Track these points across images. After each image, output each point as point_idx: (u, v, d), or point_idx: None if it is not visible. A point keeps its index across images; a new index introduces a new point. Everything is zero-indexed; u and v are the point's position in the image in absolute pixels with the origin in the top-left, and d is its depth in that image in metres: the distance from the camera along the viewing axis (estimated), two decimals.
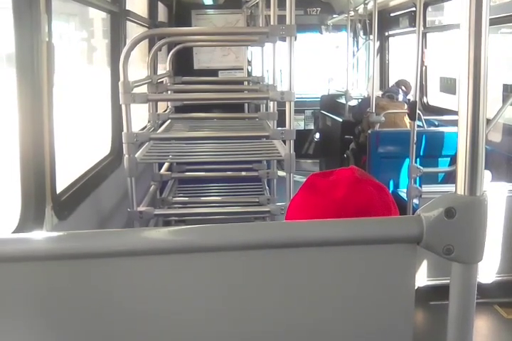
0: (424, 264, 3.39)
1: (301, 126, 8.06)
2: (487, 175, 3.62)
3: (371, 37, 5.93)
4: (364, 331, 0.88)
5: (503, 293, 3.59)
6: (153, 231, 0.91)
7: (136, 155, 2.43)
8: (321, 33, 7.36)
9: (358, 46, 7.51)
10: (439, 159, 4.73)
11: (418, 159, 4.58)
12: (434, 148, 4.69)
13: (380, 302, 0.87)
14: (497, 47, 4.76)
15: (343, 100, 6.53)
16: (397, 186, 4.60)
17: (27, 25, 1.78)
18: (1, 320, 0.83)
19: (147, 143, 2.70)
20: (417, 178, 4.02)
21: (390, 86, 6.47)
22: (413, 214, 0.86)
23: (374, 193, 1.13)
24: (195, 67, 5.66)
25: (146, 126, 3.38)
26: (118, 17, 3.20)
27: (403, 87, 5.70)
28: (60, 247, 0.83)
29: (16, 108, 1.82)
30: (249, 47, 5.66)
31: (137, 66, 4.27)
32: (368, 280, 0.86)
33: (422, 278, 3.46)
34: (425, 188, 3.64)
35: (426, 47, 5.89)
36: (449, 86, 5.79)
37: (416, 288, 0.87)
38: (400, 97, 5.59)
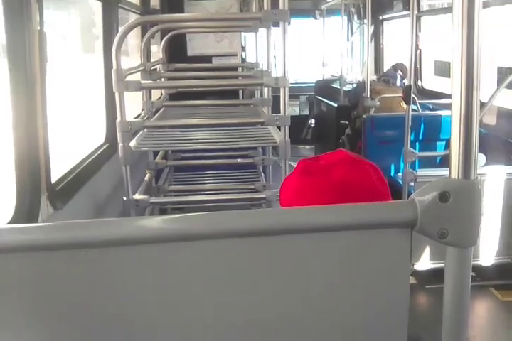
0: (420, 248, 3.40)
1: (296, 111, 8.05)
2: (481, 158, 3.63)
3: (365, 21, 5.90)
4: (360, 315, 0.89)
5: (498, 276, 3.61)
6: (150, 220, 0.91)
7: (130, 144, 2.43)
8: (315, 18, 7.31)
9: (352, 31, 7.48)
10: (435, 143, 4.74)
11: (416, 143, 4.59)
12: (429, 132, 4.70)
13: (375, 287, 0.88)
14: (492, 29, 4.74)
15: (337, 85, 6.51)
16: (393, 171, 4.61)
17: (18, 14, 1.77)
18: None
19: (142, 132, 2.70)
20: (416, 162, 4.03)
21: (385, 70, 6.46)
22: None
23: (372, 172, 1.14)
24: (189, 53, 5.62)
25: (140, 114, 3.37)
26: (110, 4, 3.18)
27: (400, 71, 5.68)
28: (56, 237, 0.83)
29: (9, 98, 1.81)
30: (242, 33, 5.63)
31: (135, 57, 4.24)
32: (363, 266, 0.87)
33: (418, 261, 3.47)
34: (420, 172, 3.65)
35: (420, 31, 5.87)
36: (443, 69, 5.78)
37: (412, 271, 0.87)
38: (398, 82, 5.57)
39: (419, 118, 4.54)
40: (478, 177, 0.83)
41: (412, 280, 0.89)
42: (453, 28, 0.79)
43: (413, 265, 3.45)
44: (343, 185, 1.10)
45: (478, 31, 0.78)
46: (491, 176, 3.44)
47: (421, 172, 3.67)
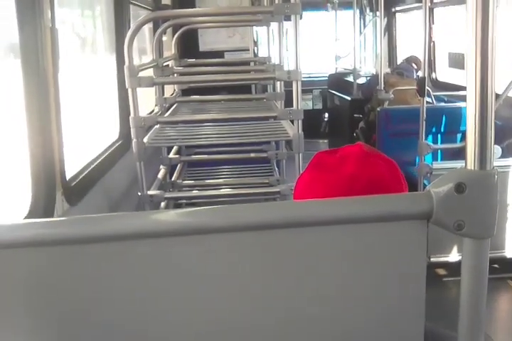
0: (437, 240, 3.38)
1: (310, 105, 8.03)
2: (497, 150, 3.60)
3: (378, 13, 5.86)
4: (375, 309, 0.88)
5: None
6: (165, 214, 0.92)
7: (144, 140, 2.43)
8: (327, 11, 7.28)
9: (365, 23, 7.43)
10: (451, 135, 4.70)
11: (437, 135, 4.56)
12: (444, 124, 4.66)
13: (391, 280, 0.87)
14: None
15: (351, 78, 6.48)
16: (408, 164, 4.58)
17: (29, 10, 1.77)
18: (12, 306, 0.84)
19: (155, 127, 2.70)
20: (430, 155, 4.00)
21: (398, 63, 6.41)
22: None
23: (384, 167, 1.12)
24: (201, 49, 5.63)
25: (153, 110, 3.38)
26: (121, 0, 3.18)
27: (414, 64, 5.64)
28: (70, 232, 0.83)
29: (22, 95, 1.82)
30: (254, 27, 5.61)
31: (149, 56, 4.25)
32: (379, 258, 0.86)
33: (435, 254, 3.46)
34: (436, 165, 3.62)
35: (433, 23, 5.82)
36: (458, 61, 5.72)
37: (428, 264, 0.86)
38: (412, 74, 5.53)
39: (435, 110, 4.51)
40: (495, 168, 0.82)
41: (428, 272, 0.89)
42: (467, 19, 0.78)
43: (429, 258, 3.44)
44: (351, 180, 1.08)
45: (493, 22, 0.77)
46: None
47: (436, 164, 3.64)
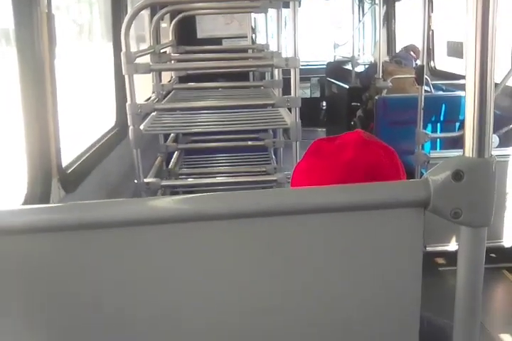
0: (434, 229, 3.38)
1: (307, 94, 8.00)
2: (495, 139, 3.59)
3: (377, 1, 5.82)
4: (371, 297, 0.88)
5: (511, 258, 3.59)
6: (160, 201, 0.91)
7: (141, 127, 2.42)
8: None
9: (363, 11, 7.39)
10: (449, 124, 4.69)
11: (429, 124, 4.54)
12: (443, 113, 4.65)
13: (387, 268, 0.87)
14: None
15: (349, 66, 6.46)
16: (405, 152, 4.57)
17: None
18: (9, 293, 0.84)
19: (152, 114, 2.69)
20: (429, 144, 4.00)
21: (397, 51, 6.39)
22: None
23: (382, 154, 1.12)
24: (199, 36, 5.60)
25: (150, 97, 3.36)
26: None
27: (412, 52, 5.62)
28: (66, 218, 0.83)
29: (18, 82, 1.81)
30: (253, 14, 5.57)
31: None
32: (375, 246, 0.86)
33: (431, 243, 3.46)
34: (433, 154, 3.62)
35: (432, 11, 5.79)
36: (456, 50, 5.70)
37: (424, 253, 0.86)
38: (410, 63, 5.51)
39: (433, 99, 4.49)
40: (493, 156, 0.81)
41: (425, 262, 0.89)
42: (467, 7, 0.77)
43: (425, 247, 3.45)
44: (350, 166, 1.08)
45: (493, 9, 0.76)
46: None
47: (434, 153, 3.64)
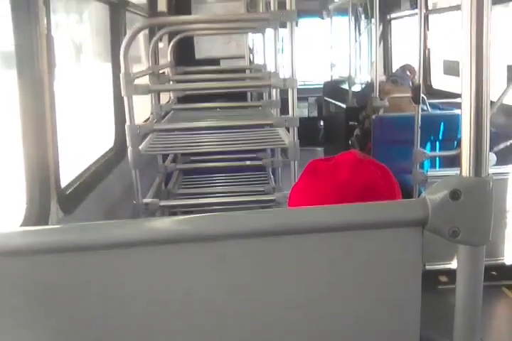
0: (432, 248, 3.37)
1: (305, 113, 8.04)
2: (492, 158, 3.61)
3: (373, 21, 5.88)
4: (371, 316, 0.88)
5: (511, 276, 3.57)
6: (158, 222, 0.91)
7: (140, 147, 2.43)
8: (323, 18, 7.30)
9: (360, 31, 7.45)
10: (447, 143, 4.70)
11: (428, 143, 4.56)
12: (440, 131, 4.67)
13: (386, 287, 0.87)
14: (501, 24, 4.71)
15: (346, 86, 6.49)
16: (403, 171, 4.58)
17: (25, 18, 1.77)
18: (7, 316, 0.83)
19: (151, 135, 2.70)
20: (428, 163, 4.00)
21: (393, 70, 6.43)
22: None
23: (377, 173, 1.14)
24: (197, 56, 5.64)
25: (149, 118, 3.38)
26: (117, 7, 3.18)
27: (408, 72, 5.66)
28: (65, 240, 0.83)
29: (18, 103, 1.82)
30: (250, 35, 5.62)
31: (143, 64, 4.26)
32: (374, 266, 0.86)
33: (430, 262, 3.45)
34: (431, 173, 3.62)
35: (428, 30, 5.85)
36: (452, 68, 5.75)
37: (423, 272, 0.86)
38: (407, 82, 5.55)
39: (430, 117, 4.51)
40: (490, 175, 0.82)
41: (424, 280, 0.89)
42: (462, 27, 0.78)
43: (424, 265, 3.43)
44: (345, 186, 1.10)
45: (487, 29, 0.78)
46: (508, 174, 3.41)
47: (431, 172, 3.64)
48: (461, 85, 0.80)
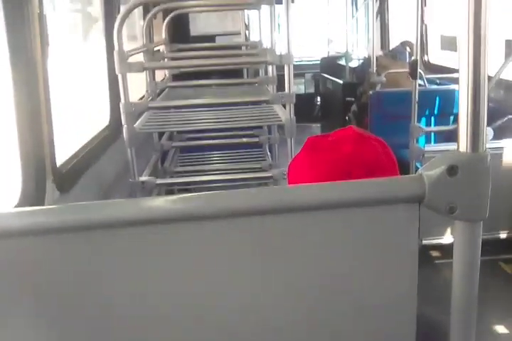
0: (429, 223, 3.39)
1: (302, 90, 8.00)
2: (489, 132, 3.59)
3: None
4: (368, 291, 0.88)
5: (508, 250, 3.60)
6: (154, 201, 0.90)
7: (135, 125, 2.41)
8: None
9: (357, 6, 7.37)
10: (443, 118, 4.70)
11: (423, 118, 4.55)
12: (437, 107, 4.65)
13: (384, 263, 0.87)
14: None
15: (343, 62, 6.45)
16: (400, 146, 4.57)
17: None
18: (7, 296, 0.83)
19: (146, 113, 2.68)
20: (423, 138, 4.00)
21: (391, 45, 6.39)
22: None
23: (379, 147, 1.15)
24: (192, 33, 5.58)
25: (144, 96, 3.35)
26: None
27: (408, 48, 5.62)
28: (62, 220, 0.83)
29: (11, 83, 1.80)
30: (246, 11, 5.55)
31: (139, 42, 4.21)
32: (371, 242, 0.86)
33: (427, 237, 3.47)
34: (428, 147, 3.62)
35: (426, 5, 5.78)
36: (450, 43, 5.70)
37: (420, 247, 0.86)
38: (406, 58, 5.51)
39: (427, 93, 4.49)
40: (487, 151, 0.81)
41: (420, 255, 0.89)
42: (460, 1, 0.77)
43: (421, 240, 3.45)
44: (351, 160, 1.11)
45: (485, 4, 0.76)
46: (505, 149, 3.42)
47: (428, 147, 3.64)
48: (459, 61, 0.79)
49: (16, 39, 1.77)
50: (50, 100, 1.97)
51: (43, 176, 1.90)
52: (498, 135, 3.69)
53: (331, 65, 6.88)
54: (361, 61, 6.35)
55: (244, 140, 3.58)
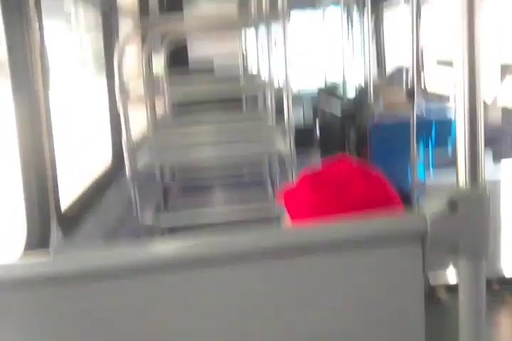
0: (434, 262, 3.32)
1: (301, 121, 8.03)
2: (488, 154, 3.57)
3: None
4: (375, 333, 0.87)
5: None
6: (163, 245, 0.89)
7: (137, 164, 2.40)
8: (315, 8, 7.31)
9: (352, 24, 7.33)
10: (445, 147, 4.70)
11: (429, 148, 4.55)
12: (438, 136, 4.66)
13: (389, 303, 0.86)
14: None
15: (341, 92, 6.47)
16: (400, 178, 4.56)
17: (18, 28, 1.74)
18: None
19: (148, 151, 2.68)
20: (421, 165, 3.99)
21: (387, 67, 6.42)
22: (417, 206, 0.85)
23: (386, 183, 1.12)
24: (190, 56, 5.68)
25: (145, 133, 3.36)
26: (109, 14, 3.16)
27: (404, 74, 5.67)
28: (66, 270, 0.82)
29: (13, 119, 1.80)
30: (243, 38, 5.64)
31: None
32: (376, 282, 0.85)
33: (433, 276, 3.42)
34: (429, 183, 3.63)
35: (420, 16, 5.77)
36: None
37: (427, 286, 0.85)
38: (403, 83, 5.56)
39: (423, 123, 4.50)
40: (486, 185, 0.81)
41: (427, 295, 0.88)
42: (455, 28, 0.78)
43: (428, 280, 3.38)
44: (366, 201, 1.06)
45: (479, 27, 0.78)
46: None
47: (429, 181, 3.65)
48: (456, 108, 0.80)
49: (18, 70, 1.76)
50: (53, 139, 1.97)
51: (47, 219, 1.89)
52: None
53: (328, 97, 6.90)
54: (359, 89, 6.37)
55: (246, 176, 3.58)
